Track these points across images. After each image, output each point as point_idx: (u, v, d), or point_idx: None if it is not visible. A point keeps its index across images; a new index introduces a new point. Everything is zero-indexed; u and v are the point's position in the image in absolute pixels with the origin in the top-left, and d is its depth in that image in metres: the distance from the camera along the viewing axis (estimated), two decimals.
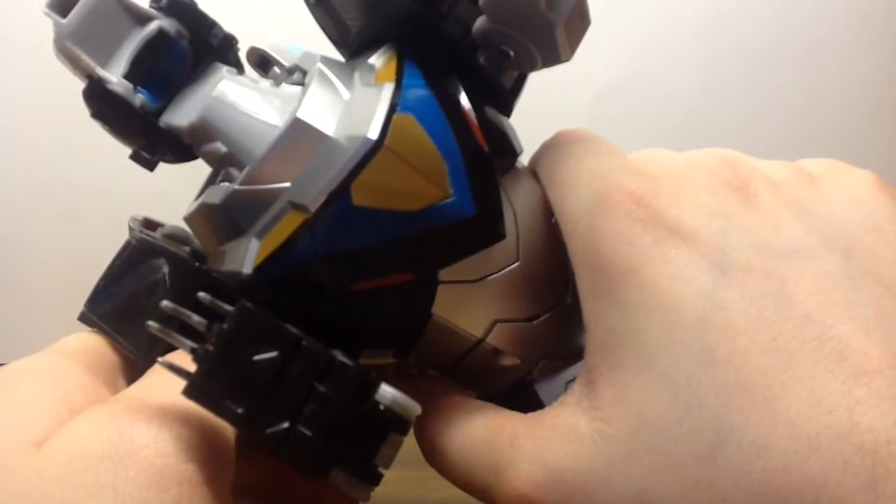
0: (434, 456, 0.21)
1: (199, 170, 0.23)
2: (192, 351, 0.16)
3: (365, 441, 0.17)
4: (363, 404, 0.17)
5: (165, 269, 0.22)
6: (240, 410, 0.16)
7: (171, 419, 0.17)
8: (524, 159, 0.24)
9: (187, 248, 0.23)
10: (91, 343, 0.22)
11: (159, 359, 0.16)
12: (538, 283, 0.22)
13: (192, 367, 0.16)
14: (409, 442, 0.18)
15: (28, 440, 0.17)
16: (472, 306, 0.21)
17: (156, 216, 0.26)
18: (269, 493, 0.22)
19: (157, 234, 0.24)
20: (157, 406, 0.17)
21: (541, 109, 0.39)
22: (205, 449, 0.17)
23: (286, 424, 0.16)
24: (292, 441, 0.16)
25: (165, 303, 0.17)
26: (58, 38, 0.20)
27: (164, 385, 0.17)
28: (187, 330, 0.17)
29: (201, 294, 0.16)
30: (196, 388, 0.16)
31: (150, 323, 0.17)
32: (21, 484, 0.16)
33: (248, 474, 0.20)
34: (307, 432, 0.16)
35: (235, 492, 0.18)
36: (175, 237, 0.24)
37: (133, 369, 0.21)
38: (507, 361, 0.22)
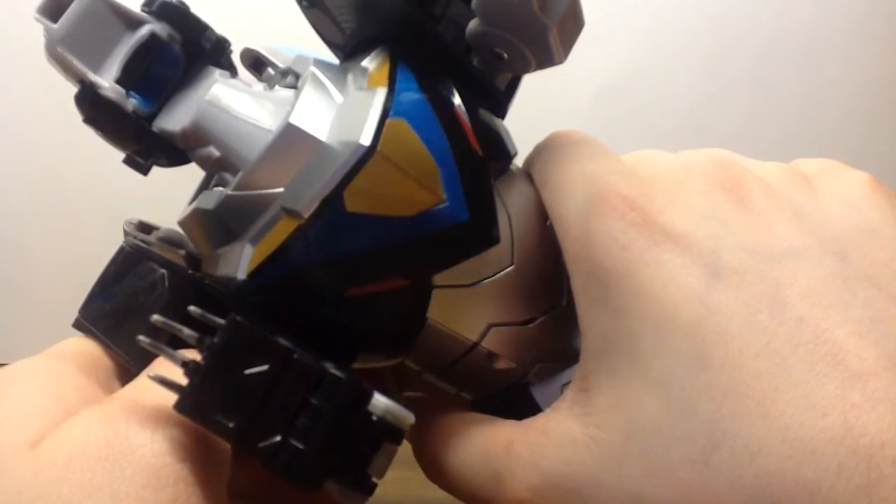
0: (435, 473, 0.21)
1: (197, 170, 0.23)
2: (183, 365, 0.16)
3: (358, 452, 0.17)
4: (356, 416, 0.17)
5: (163, 270, 0.22)
6: (231, 424, 0.16)
7: (167, 419, 0.17)
8: (521, 159, 0.24)
9: (182, 252, 0.23)
10: (85, 347, 0.22)
11: (150, 374, 0.16)
12: (533, 287, 0.22)
13: (183, 379, 0.16)
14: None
15: (24, 440, 0.17)
16: (467, 311, 0.21)
17: (155, 216, 0.26)
18: (265, 495, 0.22)
19: (153, 238, 0.24)
20: (152, 406, 0.17)
21: (540, 110, 0.39)
22: (200, 449, 0.17)
23: (278, 438, 0.16)
24: (285, 454, 0.16)
25: (156, 317, 0.16)
26: (49, 44, 0.20)
27: (158, 385, 0.17)
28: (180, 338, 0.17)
29: (191, 308, 0.16)
30: (187, 403, 0.16)
31: (141, 337, 0.16)
32: (17, 484, 0.16)
33: (244, 476, 0.20)
34: (299, 445, 0.16)
35: (231, 494, 0.18)
36: (170, 240, 0.24)
37: (127, 372, 0.21)
38: (503, 365, 0.22)
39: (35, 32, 0.20)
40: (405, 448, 0.18)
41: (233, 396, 0.16)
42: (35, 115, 0.59)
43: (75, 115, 0.21)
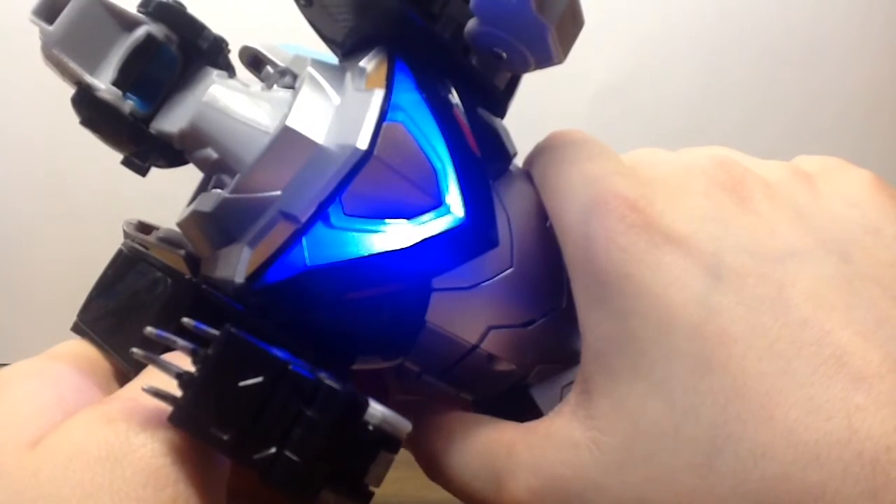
0: (435, 472, 0.21)
1: (197, 170, 0.23)
2: (178, 376, 0.16)
3: (354, 462, 0.17)
4: (352, 426, 0.17)
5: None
6: (226, 437, 0.16)
7: (166, 420, 0.17)
8: (521, 159, 0.24)
9: (182, 252, 0.23)
10: (84, 349, 0.22)
11: (144, 386, 0.16)
12: (533, 288, 0.22)
13: (178, 390, 0.16)
14: None
15: (23, 441, 0.17)
16: (466, 313, 0.21)
17: (156, 215, 0.26)
18: (264, 496, 0.21)
19: (152, 238, 0.23)
20: (152, 406, 0.17)
21: (540, 109, 0.39)
22: (200, 449, 0.17)
23: (273, 450, 0.16)
24: (280, 466, 0.16)
25: (149, 329, 0.16)
26: (45, 46, 0.20)
27: (158, 385, 0.16)
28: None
29: (185, 320, 0.16)
30: (182, 415, 0.16)
31: (135, 350, 0.16)
32: (17, 484, 0.15)
33: (244, 477, 0.19)
34: (295, 457, 0.16)
35: (231, 494, 0.18)
36: (170, 241, 0.24)
37: (126, 374, 0.21)
38: (503, 367, 0.22)
39: (35, 32, 0.20)
40: (405, 448, 0.18)
41: (227, 409, 0.16)
42: (35, 115, 0.59)
43: (75, 116, 0.21)
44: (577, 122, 0.22)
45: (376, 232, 0.18)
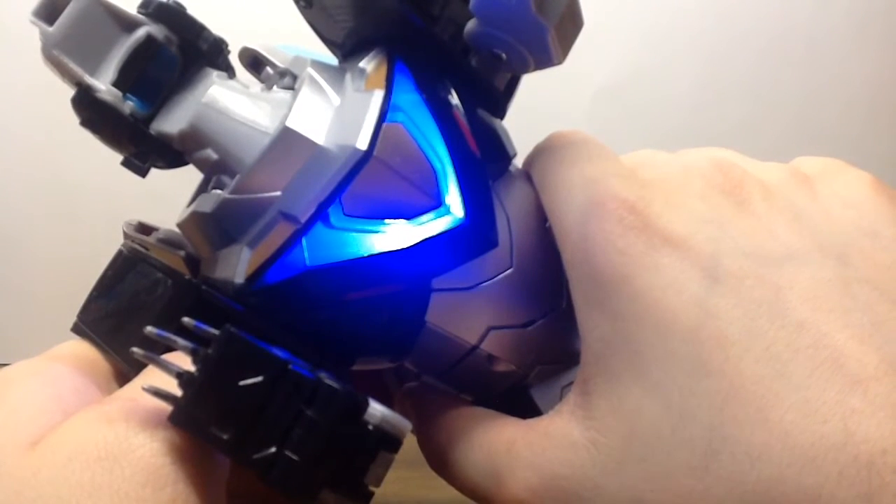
0: (439, 467, 0.22)
1: (197, 171, 0.23)
2: (178, 376, 0.16)
3: (354, 461, 0.17)
4: (352, 426, 0.17)
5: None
6: (226, 437, 0.16)
7: (166, 420, 0.17)
8: (521, 159, 0.24)
9: (182, 253, 0.23)
10: (84, 349, 0.22)
11: (143, 385, 0.16)
12: (532, 289, 0.22)
13: (178, 389, 0.16)
14: (409, 441, 0.18)
15: (22, 441, 0.17)
16: (466, 313, 0.21)
17: (156, 215, 0.26)
18: (263, 496, 0.22)
19: (152, 239, 0.23)
20: (151, 406, 0.17)
21: (539, 109, 0.39)
22: (199, 449, 0.17)
23: (273, 449, 0.16)
24: (280, 466, 0.16)
25: (149, 329, 0.16)
26: (45, 47, 0.20)
27: (158, 385, 0.17)
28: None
29: (185, 319, 0.16)
30: (182, 415, 0.16)
31: (135, 349, 0.16)
32: (17, 484, 0.15)
33: (243, 477, 0.19)
34: (294, 457, 0.16)
35: (230, 494, 0.18)
36: (170, 241, 0.24)
37: (126, 375, 0.21)
38: (503, 367, 0.22)
39: (36, 32, 0.20)
40: (405, 447, 0.18)
41: (227, 409, 0.16)
42: (35, 115, 0.59)
43: (75, 116, 0.21)
44: (577, 123, 0.23)
45: (376, 232, 0.18)
